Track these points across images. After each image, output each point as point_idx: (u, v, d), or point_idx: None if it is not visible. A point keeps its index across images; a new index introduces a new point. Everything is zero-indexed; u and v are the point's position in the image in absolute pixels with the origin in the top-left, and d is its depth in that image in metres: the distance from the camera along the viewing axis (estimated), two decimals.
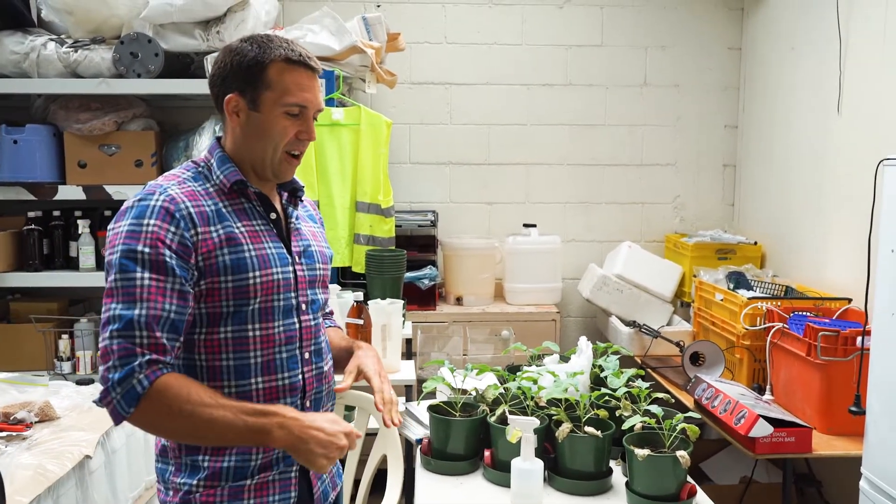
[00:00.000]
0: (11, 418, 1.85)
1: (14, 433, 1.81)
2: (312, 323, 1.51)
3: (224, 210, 1.40)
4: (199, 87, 3.00)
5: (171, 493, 1.42)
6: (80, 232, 3.10)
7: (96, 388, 2.38)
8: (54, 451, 1.72)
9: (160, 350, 1.28)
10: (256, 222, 1.44)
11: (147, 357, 1.26)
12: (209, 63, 2.98)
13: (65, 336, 3.08)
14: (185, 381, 1.29)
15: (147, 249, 1.29)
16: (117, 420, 1.29)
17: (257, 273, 1.39)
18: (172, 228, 1.32)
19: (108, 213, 3.17)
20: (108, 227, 1.35)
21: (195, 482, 1.39)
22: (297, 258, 1.48)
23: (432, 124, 3.84)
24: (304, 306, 1.48)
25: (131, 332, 1.26)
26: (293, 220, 1.52)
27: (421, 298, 3.46)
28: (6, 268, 3.05)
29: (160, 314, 1.28)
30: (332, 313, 1.79)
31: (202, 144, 3.06)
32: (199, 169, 1.45)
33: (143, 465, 2.14)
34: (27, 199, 3.04)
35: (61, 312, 3.24)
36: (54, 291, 3.35)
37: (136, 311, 1.27)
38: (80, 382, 2.53)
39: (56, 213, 3.19)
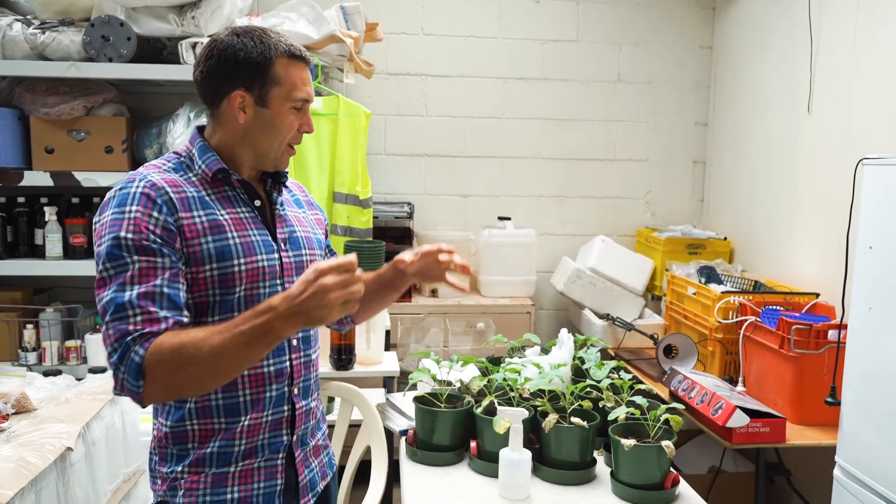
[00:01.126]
0: None
1: None
2: None
3: (207, 198, 1.39)
4: (172, 72, 2.94)
5: (158, 482, 1.42)
6: (46, 219, 3.01)
7: (67, 379, 2.32)
8: (34, 444, 1.67)
9: (153, 322, 1.25)
10: (241, 210, 1.43)
11: (140, 331, 1.24)
12: (183, 49, 2.92)
13: (30, 326, 2.99)
14: (174, 333, 1.25)
15: (131, 235, 1.28)
16: (137, 399, 1.25)
17: (242, 260, 1.38)
18: (155, 213, 1.31)
19: (75, 200, 3.08)
20: (94, 220, 1.34)
21: (180, 468, 1.38)
22: (282, 245, 1.47)
23: (408, 115, 3.83)
24: None
25: (124, 314, 1.25)
26: (277, 206, 1.50)
27: None
28: None
29: (152, 290, 1.27)
30: None
31: (175, 132, 2.99)
32: (181, 159, 1.44)
33: (122, 458, 2.10)
34: None
35: (26, 301, 3.15)
36: (18, 280, 3.25)
37: (128, 294, 1.26)
38: (47, 373, 2.46)
39: (21, 199, 3.09)
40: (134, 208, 1.29)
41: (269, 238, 1.44)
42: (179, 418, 1.38)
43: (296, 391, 1.47)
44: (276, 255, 1.44)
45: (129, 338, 1.23)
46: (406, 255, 1.61)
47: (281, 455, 1.45)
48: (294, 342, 1.47)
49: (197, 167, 1.41)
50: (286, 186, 1.57)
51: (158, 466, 1.41)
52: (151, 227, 1.29)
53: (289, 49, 1.41)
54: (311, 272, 1.19)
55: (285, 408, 1.45)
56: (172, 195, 1.33)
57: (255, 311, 1.22)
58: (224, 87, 1.41)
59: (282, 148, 1.45)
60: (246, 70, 1.39)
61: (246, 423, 1.39)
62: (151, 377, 1.22)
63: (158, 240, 1.29)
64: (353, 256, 1.22)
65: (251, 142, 1.43)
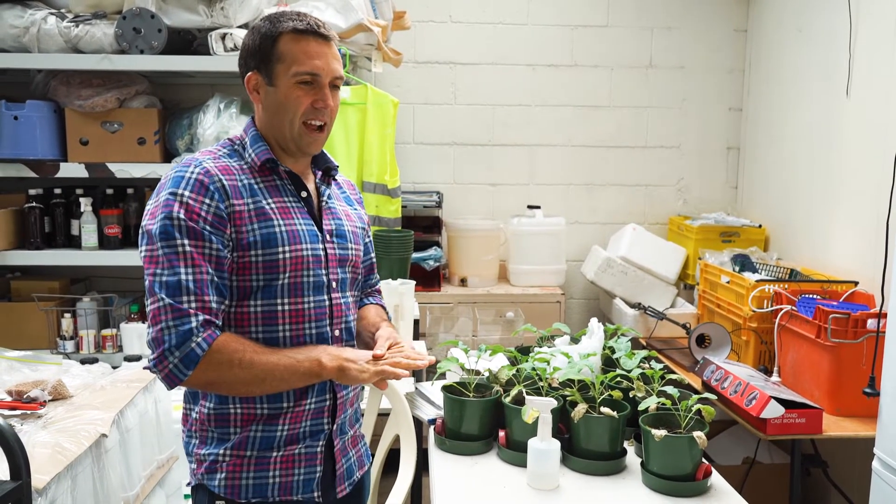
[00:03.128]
0: (25, 397, 1.84)
1: (28, 411, 1.80)
2: (342, 301, 1.51)
3: (256, 186, 1.42)
4: (203, 64, 2.96)
5: (195, 464, 1.44)
6: (82, 210, 3.06)
7: (103, 367, 2.36)
8: (70, 430, 1.71)
9: (210, 311, 1.32)
10: (288, 199, 1.46)
11: (201, 318, 1.30)
12: (213, 40, 2.94)
13: (67, 315, 3.06)
14: (236, 337, 1.35)
15: (184, 216, 1.33)
16: (171, 384, 1.32)
17: (286, 248, 1.40)
18: (207, 200, 1.35)
19: (110, 191, 3.13)
20: (148, 202, 1.39)
21: (221, 451, 1.40)
22: (327, 236, 1.49)
23: (437, 104, 3.81)
24: (334, 284, 1.49)
25: (179, 297, 1.29)
26: (325, 198, 1.53)
27: (426, 279, 3.44)
28: (7, 246, 3.01)
29: (205, 277, 1.32)
30: (377, 289, 1.78)
31: (206, 122, 3.02)
32: (234, 147, 1.48)
33: (156, 444, 2.14)
34: (28, 176, 2.99)
35: (63, 291, 3.22)
36: (55, 270, 3.31)
37: (182, 276, 1.30)
38: (84, 361, 2.51)
39: (57, 190, 3.14)
40: (188, 193, 1.34)
41: (315, 228, 1.47)
42: (222, 400, 1.41)
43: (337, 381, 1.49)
44: (321, 245, 1.47)
45: (192, 325, 1.29)
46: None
47: (321, 443, 1.47)
48: (337, 332, 1.49)
49: (248, 155, 1.45)
50: (336, 181, 1.61)
51: (197, 449, 1.43)
52: (203, 213, 1.33)
53: (294, 25, 1.42)
54: (370, 371, 1.40)
55: (327, 396, 1.47)
56: (225, 182, 1.37)
57: (309, 349, 1.39)
58: (244, 72, 1.46)
59: (296, 127, 1.44)
60: (256, 51, 1.43)
61: (289, 410, 1.42)
62: (203, 369, 1.29)
63: (209, 226, 1.34)
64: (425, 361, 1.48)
65: (270, 123, 1.46)
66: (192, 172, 1.37)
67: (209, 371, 1.30)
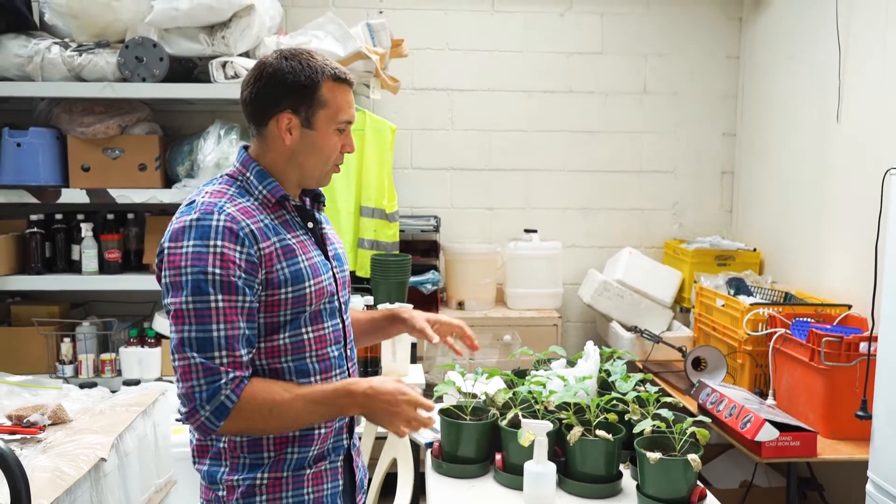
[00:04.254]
0: (24, 421, 1.85)
1: (28, 436, 1.81)
2: (348, 321, 1.59)
3: (273, 224, 1.44)
4: (204, 91, 3.01)
5: (225, 491, 1.43)
6: (82, 235, 3.09)
7: (102, 391, 2.37)
8: (69, 454, 1.72)
9: (240, 366, 1.35)
10: (300, 233, 1.49)
11: (231, 375, 1.33)
12: (214, 68, 2.99)
13: (66, 339, 3.07)
14: (264, 385, 1.38)
15: (219, 271, 1.33)
16: (205, 434, 1.39)
17: (311, 282, 1.45)
18: (239, 248, 1.36)
19: (110, 216, 3.16)
20: (165, 246, 1.37)
21: (258, 475, 1.43)
22: (333, 262, 1.55)
23: (434, 130, 3.86)
24: (343, 307, 1.56)
25: (211, 353, 1.32)
26: (321, 225, 1.57)
27: (423, 303, 3.46)
28: (8, 271, 3.03)
29: (237, 333, 1.35)
30: None
31: (206, 149, 3.05)
32: (239, 183, 1.47)
33: (154, 469, 2.14)
34: (30, 202, 3.03)
35: (63, 316, 3.23)
36: (56, 295, 3.33)
37: (215, 333, 1.33)
38: (83, 386, 2.52)
39: (58, 216, 3.17)
40: (220, 243, 1.34)
41: (323, 257, 1.51)
42: None
43: None
44: (331, 274, 1.51)
45: (222, 381, 1.32)
46: (423, 324, 1.71)
47: (342, 457, 1.53)
48: (348, 352, 1.56)
49: (257, 192, 1.45)
50: (324, 205, 1.64)
51: (227, 476, 1.43)
52: (238, 262, 1.34)
53: (335, 72, 1.46)
54: (405, 392, 1.41)
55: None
56: (252, 226, 1.38)
57: (336, 392, 1.41)
58: (272, 109, 1.44)
59: (327, 167, 1.49)
60: (294, 93, 1.43)
61: (320, 430, 1.47)
62: (234, 419, 1.34)
63: (244, 275, 1.35)
64: (434, 410, 1.46)
65: (297, 162, 1.47)
66: (219, 221, 1.35)
67: (240, 421, 1.35)
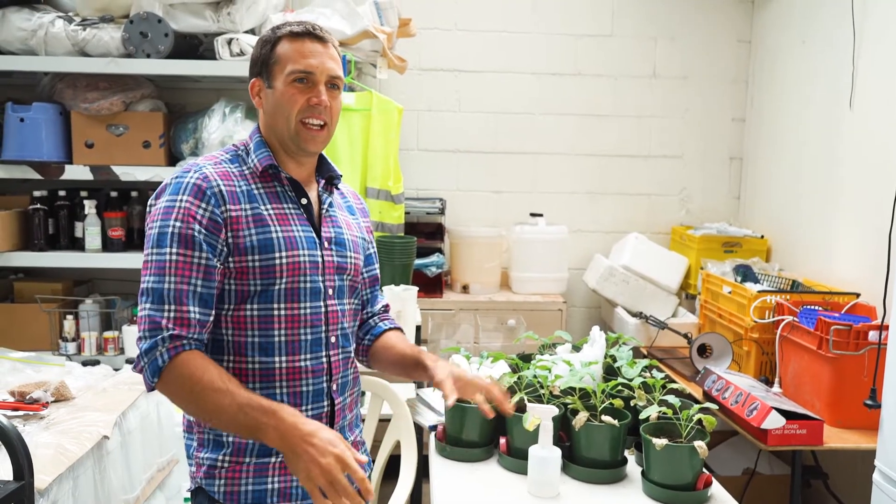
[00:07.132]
0: (27, 398, 1.85)
1: (31, 412, 1.81)
2: (339, 308, 1.52)
3: (255, 192, 1.44)
4: (209, 68, 2.98)
5: (194, 467, 1.44)
6: (86, 212, 3.07)
7: (105, 369, 2.37)
8: (72, 431, 1.71)
9: (185, 324, 1.33)
10: (287, 206, 1.47)
11: (171, 332, 1.31)
12: (219, 45, 2.95)
13: (69, 317, 3.07)
14: (201, 362, 1.32)
15: (179, 223, 1.36)
16: (147, 387, 1.36)
17: (283, 253, 1.42)
18: (204, 205, 1.37)
19: (114, 193, 3.14)
20: (149, 203, 1.43)
21: (219, 457, 1.41)
22: (326, 243, 1.51)
23: (441, 111, 3.82)
24: (330, 290, 1.51)
25: (160, 305, 1.33)
26: (326, 206, 1.54)
27: (427, 286, 3.45)
28: (10, 247, 3.02)
29: (187, 288, 1.34)
30: (387, 308, 1.77)
31: (211, 127, 3.03)
32: (238, 152, 1.50)
33: (157, 447, 2.14)
34: (33, 177, 3.00)
35: (66, 293, 3.22)
36: (58, 272, 3.32)
37: (166, 285, 1.33)
38: (86, 363, 2.51)
39: (62, 192, 3.15)
40: (185, 198, 1.37)
41: (314, 235, 1.48)
42: None
43: (334, 387, 1.49)
44: (319, 252, 1.48)
45: (160, 336, 1.31)
46: (443, 378, 1.51)
47: None
48: (333, 339, 1.49)
49: (251, 161, 1.47)
50: (338, 189, 1.62)
51: (196, 452, 1.44)
52: (199, 218, 1.36)
53: (291, 29, 1.46)
54: (339, 448, 1.24)
55: (325, 403, 1.48)
56: (223, 187, 1.40)
57: (264, 407, 1.27)
58: (251, 80, 1.50)
59: (292, 125, 1.46)
60: (259, 58, 1.48)
61: None
62: (165, 382, 1.32)
63: (205, 231, 1.36)
64: (370, 488, 1.26)
65: (270, 125, 1.49)
66: (191, 178, 1.40)
67: (169, 386, 1.32)
